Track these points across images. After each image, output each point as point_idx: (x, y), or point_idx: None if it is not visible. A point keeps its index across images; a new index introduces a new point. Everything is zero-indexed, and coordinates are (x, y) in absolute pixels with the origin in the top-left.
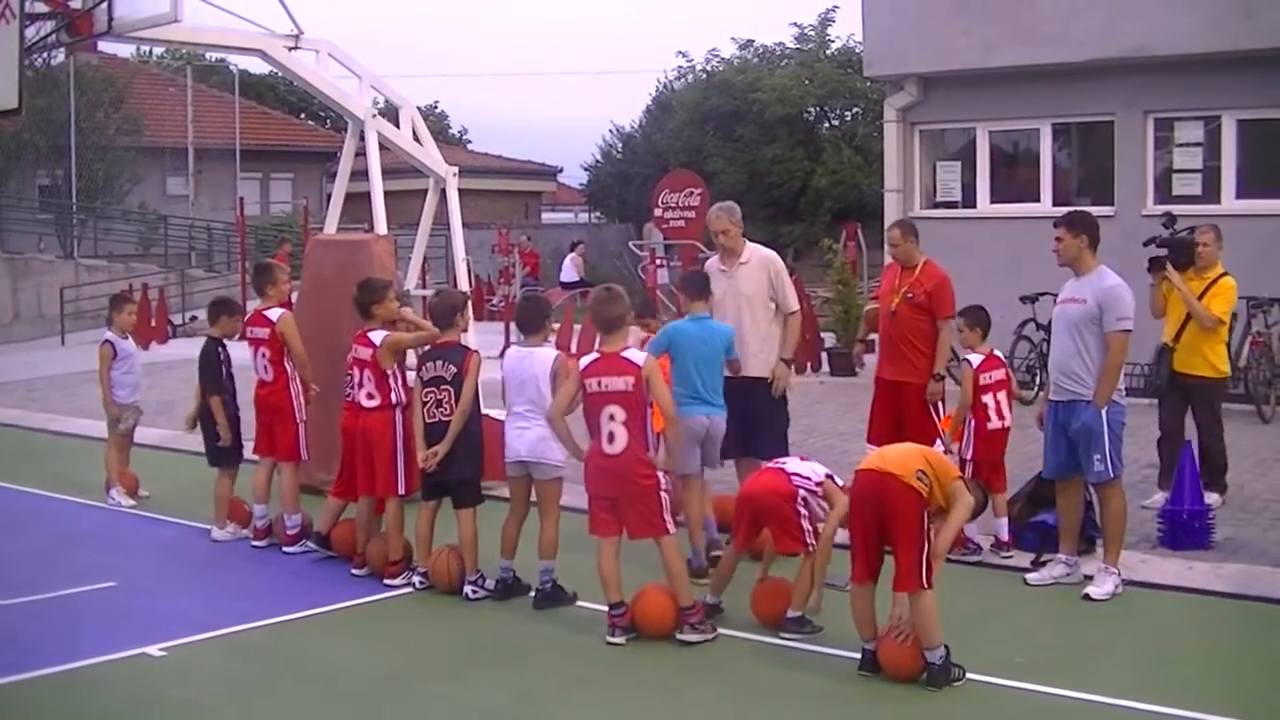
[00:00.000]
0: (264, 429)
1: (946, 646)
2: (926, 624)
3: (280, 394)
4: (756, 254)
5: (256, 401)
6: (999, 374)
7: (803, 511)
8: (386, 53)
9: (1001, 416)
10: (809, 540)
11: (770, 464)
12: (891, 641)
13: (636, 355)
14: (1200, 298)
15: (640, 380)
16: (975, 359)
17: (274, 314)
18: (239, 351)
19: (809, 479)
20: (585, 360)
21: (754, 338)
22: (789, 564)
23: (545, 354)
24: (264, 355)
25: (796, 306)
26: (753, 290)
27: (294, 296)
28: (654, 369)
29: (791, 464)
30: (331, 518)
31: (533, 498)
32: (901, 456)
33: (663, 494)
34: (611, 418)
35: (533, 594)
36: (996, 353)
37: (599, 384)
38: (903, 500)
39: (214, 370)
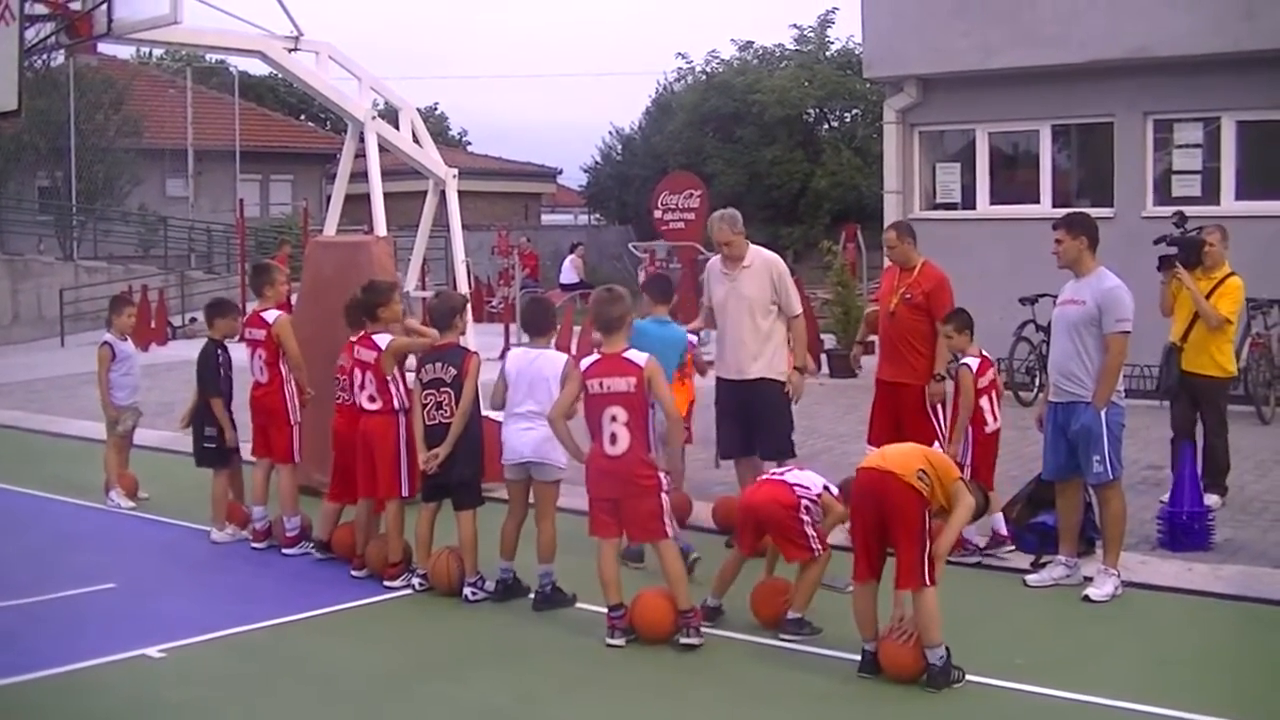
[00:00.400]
0: (259, 431)
1: (947, 648)
2: (928, 622)
3: (275, 396)
4: (759, 257)
5: (252, 403)
6: (991, 375)
7: (805, 519)
8: (386, 54)
9: (995, 419)
10: (815, 546)
11: (772, 474)
12: (893, 642)
13: (638, 356)
14: (1207, 297)
15: (642, 381)
16: (973, 362)
17: (270, 315)
18: (238, 353)
19: (809, 489)
20: (586, 361)
21: (755, 340)
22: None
23: (556, 355)
24: (260, 357)
25: (799, 310)
26: (755, 294)
27: (294, 299)
28: (655, 370)
29: (792, 474)
30: (329, 523)
31: (530, 499)
32: (902, 456)
33: (663, 496)
34: (613, 419)
35: (532, 596)
36: (985, 354)
37: (600, 385)
38: (903, 499)
39: (212, 372)
